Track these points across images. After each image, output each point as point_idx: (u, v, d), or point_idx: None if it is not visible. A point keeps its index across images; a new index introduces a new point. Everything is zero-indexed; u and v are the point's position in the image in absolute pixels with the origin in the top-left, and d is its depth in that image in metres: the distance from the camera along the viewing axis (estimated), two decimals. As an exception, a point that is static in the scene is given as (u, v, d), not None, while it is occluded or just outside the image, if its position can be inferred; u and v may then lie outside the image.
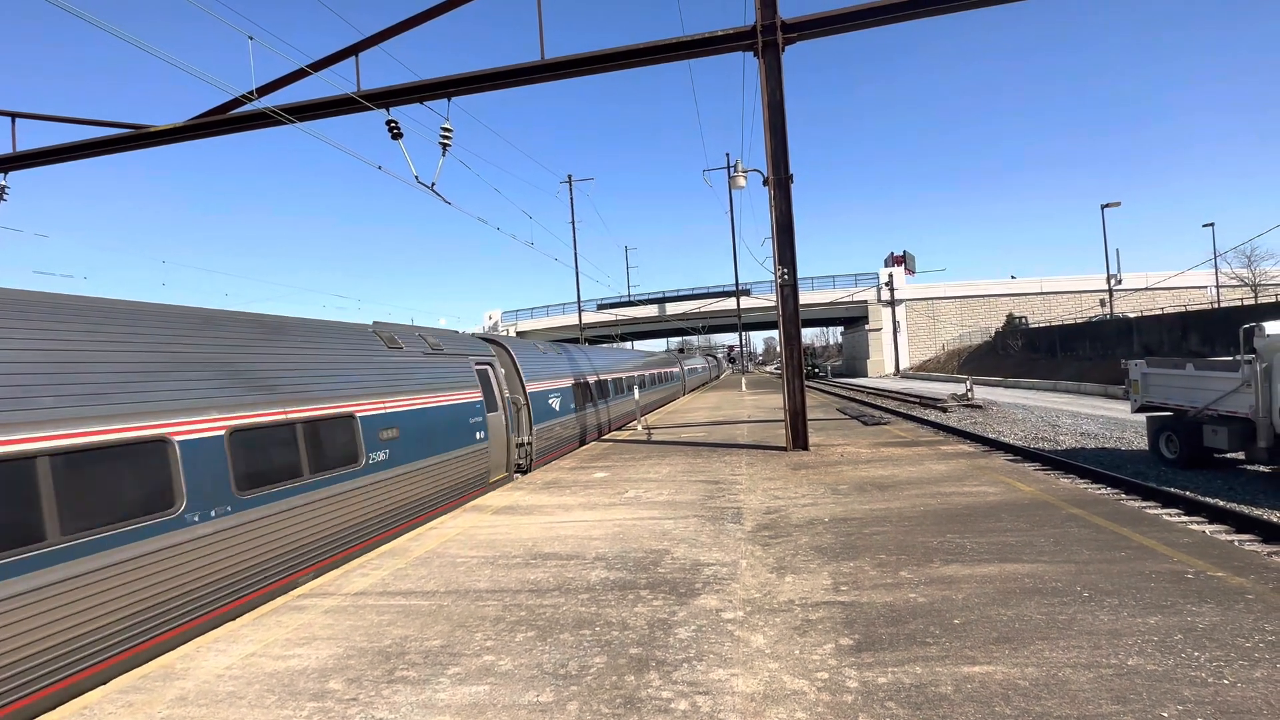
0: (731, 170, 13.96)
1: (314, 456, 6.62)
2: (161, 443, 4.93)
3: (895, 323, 63.20)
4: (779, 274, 10.84)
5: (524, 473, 12.07)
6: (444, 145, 11.85)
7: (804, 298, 53.90)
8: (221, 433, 5.42)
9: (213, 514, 5.21)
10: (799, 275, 10.88)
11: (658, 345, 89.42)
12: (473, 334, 13.42)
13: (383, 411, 7.90)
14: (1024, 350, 47.43)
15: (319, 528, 6.46)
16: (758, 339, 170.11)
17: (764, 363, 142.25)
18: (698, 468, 9.68)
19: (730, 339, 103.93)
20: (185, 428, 5.15)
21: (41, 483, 4.10)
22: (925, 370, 59.05)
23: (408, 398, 8.56)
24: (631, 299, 68.07)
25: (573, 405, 15.56)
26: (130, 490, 4.68)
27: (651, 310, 68.33)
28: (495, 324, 74.78)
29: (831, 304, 64.73)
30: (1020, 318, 55.70)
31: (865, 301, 64.04)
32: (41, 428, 4.17)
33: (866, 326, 65.04)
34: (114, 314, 5.29)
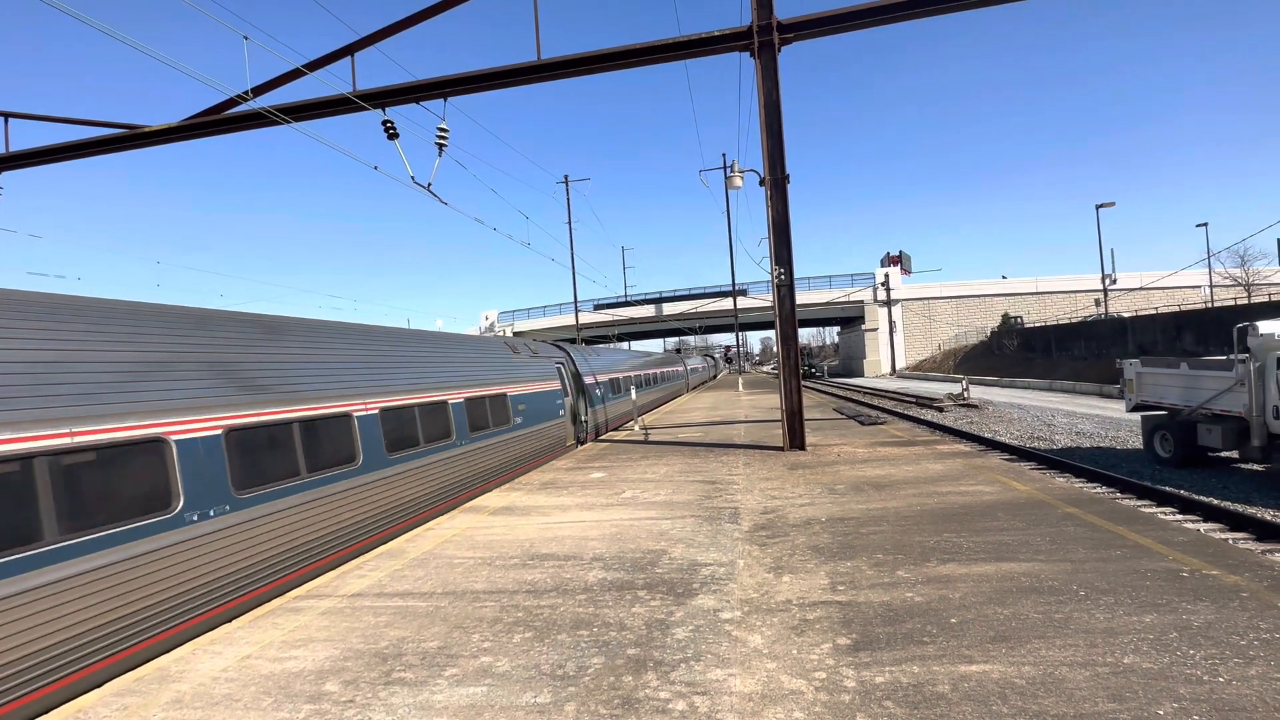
0: (728, 171, 13.96)
1: (494, 417, 10.65)
2: (447, 404, 9.19)
3: (891, 323, 63.29)
4: (776, 274, 10.85)
5: (581, 444, 15.28)
6: (440, 145, 11.82)
7: (800, 298, 54.04)
8: (461, 400, 9.58)
9: (460, 444, 9.26)
10: (795, 275, 10.90)
11: (654, 345, 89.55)
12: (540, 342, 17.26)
13: (517, 393, 11.88)
14: (1019, 350, 47.55)
15: (496, 460, 10.46)
16: (754, 339, 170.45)
17: (761, 363, 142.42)
18: (695, 468, 9.68)
19: (727, 339, 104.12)
20: (455, 398, 9.47)
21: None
22: (921, 370, 59.16)
23: (525, 385, 12.45)
24: (628, 299, 68.02)
25: (612, 395, 19.65)
26: (435, 425, 8.71)
27: (648, 310, 68.28)
28: (491, 325, 74.67)
29: (828, 304, 64.80)
30: (1016, 317, 55.84)
31: (861, 302, 64.11)
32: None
33: (863, 326, 65.11)
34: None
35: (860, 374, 64.53)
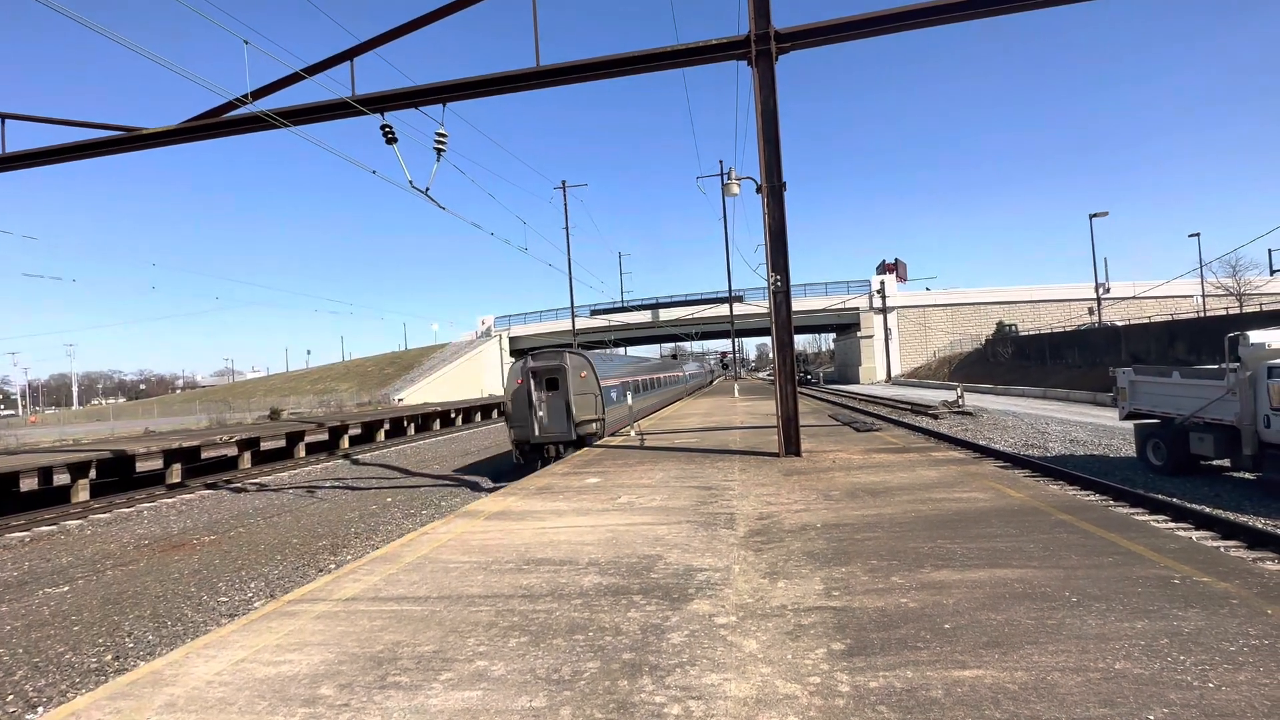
0: (725, 178, 14.01)
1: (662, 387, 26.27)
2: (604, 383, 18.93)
3: (887, 330, 63.52)
4: (772, 280, 10.90)
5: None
6: (439, 151, 11.87)
7: (796, 304, 53.69)
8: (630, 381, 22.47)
9: (620, 397, 19.76)
10: (792, 282, 10.95)
11: (651, 351, 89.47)
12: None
13: (666, 377, 29.36)
14: (1014, 358, 47.77)
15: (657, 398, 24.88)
16: (750, 345, 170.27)
17: (756, 369, 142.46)
18: (690, 473, 9.69)
19: (723, 345, 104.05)
20: (615, 381, 20.32)
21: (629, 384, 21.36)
22: (916, 377, 59.32)
23: (663, 374, 30.16)
24: (625, 305, 68.12)
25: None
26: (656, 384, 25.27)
27: (645, 316, 68.39)
28: (489, 329, 74.62)
29: (824, 311, 64.99)
30: (1010, 325, 56.08)
31: (857, 309, 64.32)
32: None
33: (858, 333, 65.29)
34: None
35: (855, 381, 64.67)
